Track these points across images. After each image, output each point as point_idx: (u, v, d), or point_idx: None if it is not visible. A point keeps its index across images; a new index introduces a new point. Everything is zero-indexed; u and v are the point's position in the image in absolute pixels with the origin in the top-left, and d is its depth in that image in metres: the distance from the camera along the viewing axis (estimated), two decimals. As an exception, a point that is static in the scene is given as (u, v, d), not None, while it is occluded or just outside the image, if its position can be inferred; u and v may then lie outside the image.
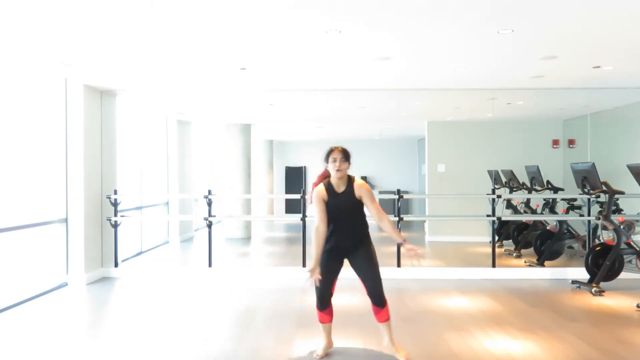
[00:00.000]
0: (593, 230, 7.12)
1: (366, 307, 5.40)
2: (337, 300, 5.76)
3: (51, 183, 6.40)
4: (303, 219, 7.14)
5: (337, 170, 3.69)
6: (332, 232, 3.77)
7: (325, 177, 3.84)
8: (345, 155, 3.73)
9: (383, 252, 8.91)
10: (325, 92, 7.49)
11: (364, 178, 15.02)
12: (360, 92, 7.40)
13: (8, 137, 5.61)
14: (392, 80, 6.60)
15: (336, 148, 3.76)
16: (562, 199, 8.05)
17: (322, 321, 3.95)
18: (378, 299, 3.79)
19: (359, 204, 3.76)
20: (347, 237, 3.79)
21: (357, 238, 3.81)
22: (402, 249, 3.75)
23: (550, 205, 8.18)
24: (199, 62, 5.54)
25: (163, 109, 9.29)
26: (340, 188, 3.76)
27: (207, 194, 7.20)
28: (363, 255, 3.80)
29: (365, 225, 3.86)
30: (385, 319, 3.84)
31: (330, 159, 3.71)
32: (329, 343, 4.00)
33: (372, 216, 3.79)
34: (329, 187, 3.77)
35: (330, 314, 3.94)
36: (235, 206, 10.89)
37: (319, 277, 3.68)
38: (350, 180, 3.78)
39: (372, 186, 15.13)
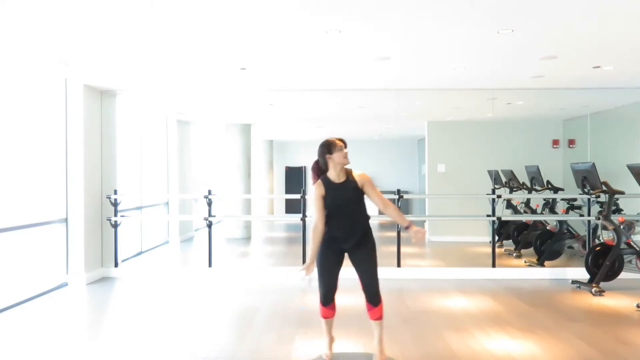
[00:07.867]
0: (593, 230, 7.11)
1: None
2: (337, 300, 5.78)
3: (51, 183, 6.40)
4: (303, 219, 7.15)
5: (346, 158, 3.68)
6: (332, 226, 3.68)
7: (320, 174, 3.78)
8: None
9: (383, 252, 8.93)
10: (325, 92, 7.49)
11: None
12: (360, 92, 7.40)
13: (8, 137, 5.61)
14: (392, 80, 6.60)
15: (338, 139, 3.73)
16: (562, 199, 8.05)
17: (325, 316, 3.86)
18: (373, 296, 3.75)
19: (361, 195, 3.72)
20: (348, 231, 3.70)
21: (359, 231, 3.73)
22: (409, 233, 3.71)
23: (550, 205, 8.18)
24: (199, 62, 5.54)
25: (163, 108, 9.29)
26: (340, 178, 3.72)
27: (207, 194, 7.20)
28: (365, 250, 3.73)
29: (366, 218, 3.80)
30: (378, 317, 3.77)
31: (338, 149, 3.66)
32: (332, 338, 3.95)
33: (377, 205, 3.74)
34: (326, 181, 3.71)
35: (334, 308, 3.86)
36: (235, 206, 10.90)
37: (311, 272, 3.61)
38: (347, 172, 3.75)
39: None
